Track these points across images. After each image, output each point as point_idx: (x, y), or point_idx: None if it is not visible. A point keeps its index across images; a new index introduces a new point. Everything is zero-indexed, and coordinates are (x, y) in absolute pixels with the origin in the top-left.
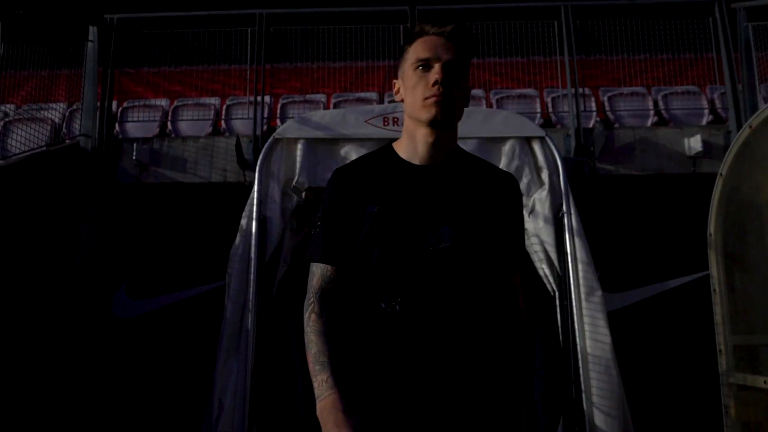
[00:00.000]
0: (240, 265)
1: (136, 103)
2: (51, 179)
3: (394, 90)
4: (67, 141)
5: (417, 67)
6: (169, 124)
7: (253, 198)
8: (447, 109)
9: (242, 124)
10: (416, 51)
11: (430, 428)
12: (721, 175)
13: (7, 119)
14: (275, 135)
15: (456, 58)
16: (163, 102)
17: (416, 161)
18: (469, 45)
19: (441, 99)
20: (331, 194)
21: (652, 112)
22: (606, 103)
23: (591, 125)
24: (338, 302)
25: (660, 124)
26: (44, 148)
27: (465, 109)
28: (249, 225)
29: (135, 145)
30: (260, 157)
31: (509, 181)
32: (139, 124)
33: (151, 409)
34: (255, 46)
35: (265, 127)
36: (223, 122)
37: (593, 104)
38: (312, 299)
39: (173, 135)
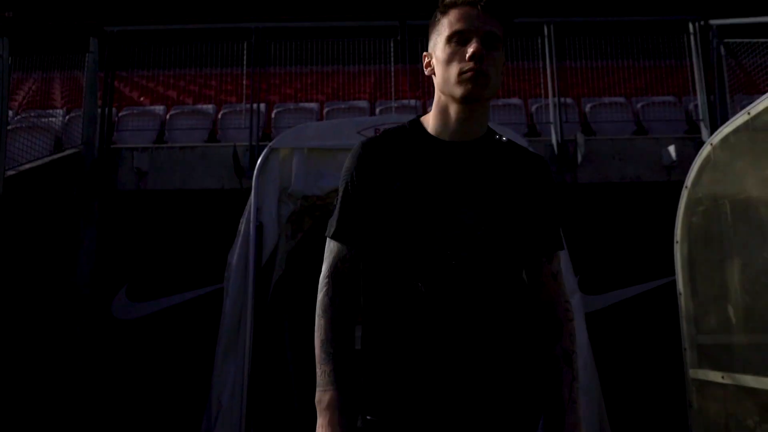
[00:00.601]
0: (238, 270)
1: (134, 111)
2: (55, 187)
3: (424, 63)
4: (67, 150)
5: (451, 40)
6: (165, 132)
7: (250, 205)
8: (483, 86)
9: (237, 130)
10: (451, 22)
11: (453, 414)
12: (686, 187)
13: (9, 127)
14: (271, 145)
15: (494, 32)
16: (159, 109)
17: (446, 138)
18: (506, 17)
19: (477, 75)
20: (354, 168)
21: (632, 122)
22: (588, 113)
23: (574, 135)
24: (354, 282)
25: (639, 132)
26: (49, 157)
27: None
28: (246, 231)
29: (134, 153)
30: (257, 166)
31: (540, 163)
32: (136, 131)
33: (152, 407)
34: (250, 58)
35: (260, 134)
36: (219, 131)
37: (576, 114)
38: (327, 279)
39: (170, 142)
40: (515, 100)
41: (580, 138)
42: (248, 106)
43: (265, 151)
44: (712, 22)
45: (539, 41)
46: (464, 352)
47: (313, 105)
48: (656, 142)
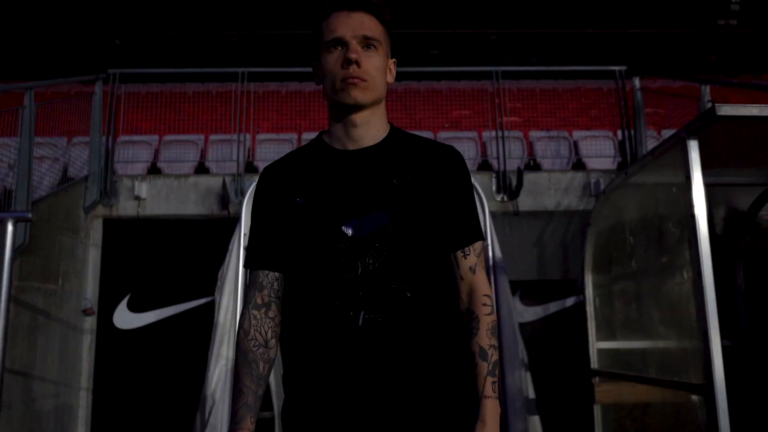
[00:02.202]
0: (228, 285)
1: (130, 139)
2: (67, 211)
3: (314, 74)
4: (76, 180)
5: (329, 47)
6: (159, 158)
7: (239, 230)
8: (363, 89)
9: (223, 158)
10: (326, 30)
11: (370, 419)
12: (589, 224)
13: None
14: (257, 181)
15: (371, 33)
16: (152, 139)
17: (346, 146)
18: (382, 13)
19: (358, 79)
20: (260, 193)
21: (572, 154)
22: (534, 145)
23: (522, 165)
24: (274, 310)
25: (578, 164)
26: (62, 187)
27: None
28: (235, 252)
29: (134, 182)
30: (245, 197)
31: (450, 153)
32: (131, 157)
33: (150, 406)
34: (238, 99)
35: (245, 162)
36: (207, 156)
37: (523, 146)
38: (244, 314)
39: (163, 168)
40: (471, 133)
41: (520, 171)
42: (234, 136)
43: (252, 187)
44: (634, 77)
45: (489, 84)
46: (369, 367)
47: (293, 135)
48: (586, 175)
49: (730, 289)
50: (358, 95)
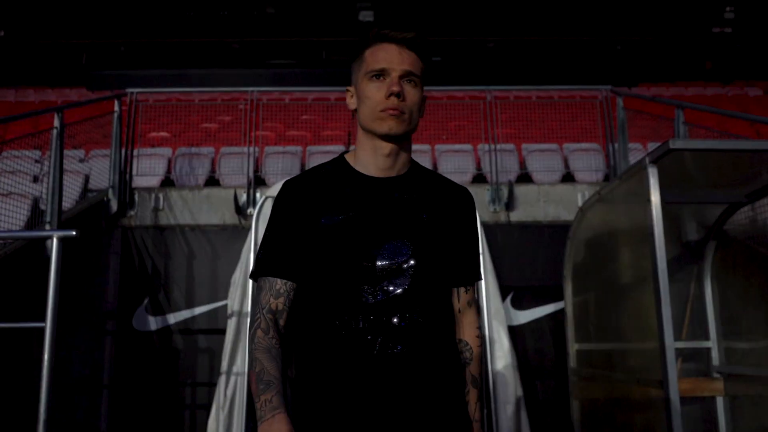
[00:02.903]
0: (240, 291)
1: (145, 152)
2: (89, 222)
3: (347, 97)
4: (97, 191)
5: (371, 77)
6: (173, 170)
7: (250, 240)
8: (402, 122)
9: (233, 170)
10: (372, 59)
11: None
12: (569, 237)
13: (43, 173)
14: (267, 195)
15: (413, 69)
16: (166, 151)
17: (372, 173)
18: (426, 55)
19: (397, 112)
20: (281, 205)
21: (562, 167)
22: (527, 158)
23: (514, 177)
24: (287, 318)
25: (567, 176)
26: (86, 200)
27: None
28: (246, 261)
29: (152, 194)
30: (256, 210)
31: (464, 195)
32: (147, 170)
33: (166, 402)
34: (247, 116)
35: (254, 175)
36: (217, 169)
37: (517, 158)
38: (258, 315)
39: (176, 180)
40: (466, 146)
41: (512, 184)
42: (243, 149)
43: (262, 199)
44: (618, 92)
45: (482, 104)
46: (385, 393)
47: (297, 148)
48: (573, 188)
49: (701, 295)
50: (394, 127)
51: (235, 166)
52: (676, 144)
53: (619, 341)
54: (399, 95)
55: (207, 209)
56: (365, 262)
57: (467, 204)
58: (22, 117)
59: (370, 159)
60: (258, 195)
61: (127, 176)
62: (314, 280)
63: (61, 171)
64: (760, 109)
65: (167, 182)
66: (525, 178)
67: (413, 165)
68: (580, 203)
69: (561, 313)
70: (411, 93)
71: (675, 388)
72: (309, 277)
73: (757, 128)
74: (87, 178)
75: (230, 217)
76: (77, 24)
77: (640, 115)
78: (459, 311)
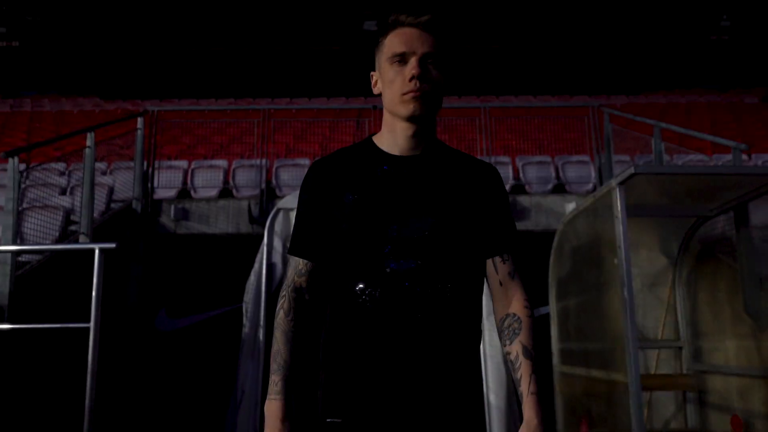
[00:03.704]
0: (254, 295)
1: (164, 165)
2: (114, 230)
3: (372, 83)
4: (122, 203)
5: (393, 62)
6: (189, 182)
7: (263, 249)
8: (425, 104)
9: (246, 181)
10: (391, 44)
11: (406, 420)
12: (553, 248)
13: (73, 185)
14: (278, 206)
15: (433, 51)
16: (182, 163)
17: (396, 152)
18: (445, 35)
19: (419, 94)
20: (309, 184)
21: (553, 177)
22: (520, 169)
23: (509, 188)
24: (312, 297)
25: (558, 186)
26: (113, 207)
27: None
28: (260, 268)
29: (173, 206)
30: (267, 222)
31: (490, 170)
32: (165, 182)
33: (186, 396)
34: (261, 128)
35: (265, 186)
36: (231, 181)
37: (511, 170)
38: (284, 293)
39: (192, 191)
40: None
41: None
42: (256, 161)
43: (273, 211)
44: (604, 109)
45: (478, 119)
46: (411, 359)
47: (305, 160)
48: (562, 199)
49: (673, 299)
50: (417, 109)
51: (247, 177)
52: (638, 169)
53: (593, 341)
54: (420, 78)
55: (223, 219)
56: (386, 236)
57: (493, 178)
58: (60, 139)
59: (395, 139)
60: (270, 203)
61: (149, 188)
62: (339, 254)
63: (93, 186)
64: (754, 117)
65: (184, 193)
66: (519, 188)
67: (438, 143)
68: (567, 213)
69: (548, 315)
70: (432, 74)
71: (637, 383)
72: (334, 253)
73: (752, 134)
74: (111, 190)
75: (244, 227)
76: (89, 34)
77: (631, 126)
78: (501, 284)
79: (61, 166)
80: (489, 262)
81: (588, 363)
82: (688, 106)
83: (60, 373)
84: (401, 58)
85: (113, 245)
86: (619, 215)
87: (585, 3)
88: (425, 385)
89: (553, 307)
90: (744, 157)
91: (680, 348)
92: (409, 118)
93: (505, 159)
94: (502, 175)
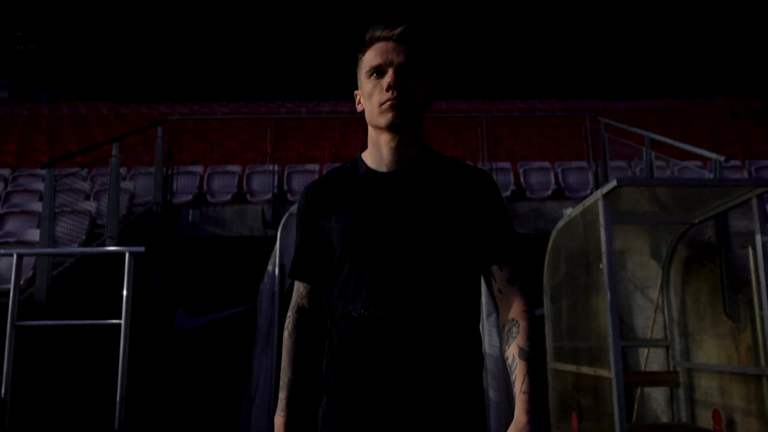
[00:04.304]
0: (267, 295)
1: (181, 170)
2: (136, 233)
3: (356, 101)
4: (143, 207)
5: (371, 75)
6: (205, 186)
7: (275, 251)
8: (403, 112)
9: (259, 186)
10: (368, 59)
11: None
12: (547, 252)
13: (96, 190)
14: (291, 211)
15: (408, 60)
16: (198, 168)
17: (383, 168)
18: (422, 43)
19: (396, 103)
20: (300, 210)
21: (552, 183)
22: (521, 175)
23: (509, 194)
24: (314, 316)
25: (558, 191)
26: (134, 212)
27: None
28: (273, 269)
29: (190, 210)
30: (280, 226)
31: (482, 177)
32: (183, 187)
33: (203, 390)
34: (273, 135)
35: (276, 190)
36: (245, 186)
37: (512, 175)
38: (289, 313)
39: (208, 195)
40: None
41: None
42: (268, 167)
43: (285, 215)
44: (600, 118)
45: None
46: (403, 377)
47: (315, 166)
48: (560, 204)
49: (662, 300)
50: (395, 117)
51: (260, 182)
52: (621, 182)
53: (582, 340)
54: (397, 87)
55: (238, 223)
56: (375, 255)
57: (486, 185)
58: (92, 148)
59: (379, 154)
60: (282, 207)
61: (169, 194)
62: (332, 274)
63: (118, 193)
64: (756, 122)
65: (200, 197)
66: (520, 194)
67: (427, 154)
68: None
69: (543, 316)
70: (411, 84)
71: (620, 377)
72: (327, 274)
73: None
74: (132, 196)
75: (258, 230)
76: (105, 39)
77: (627, 134)
78: (500, 292)
79: (83, 171)
80: (488, 271)
81: (577, 360)
82: (690, 110)
83: (87, 365)
84: (378, 71)
85: (142, 249)
86: (603, 224)
87: (589, 8)
88: (420, 401)
89: (547, 308)
90: (737, 163)
91: (668, 347)
92: (390, 127)
93: (506, 165)
94: (503, 181)
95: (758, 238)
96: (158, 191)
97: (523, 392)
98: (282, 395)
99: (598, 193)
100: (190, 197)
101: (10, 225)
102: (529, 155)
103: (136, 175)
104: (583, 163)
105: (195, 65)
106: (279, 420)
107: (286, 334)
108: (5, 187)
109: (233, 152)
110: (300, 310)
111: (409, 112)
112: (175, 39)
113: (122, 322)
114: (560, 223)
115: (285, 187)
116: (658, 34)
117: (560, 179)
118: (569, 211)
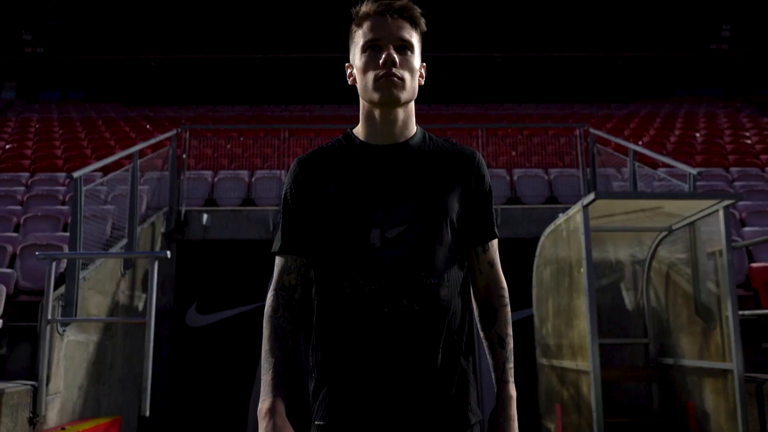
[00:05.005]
0: None
1: (191, 175)
2: (153, 236)
3: (347, 74)
4: (158, 212)
5: (366, 49)
6: (214, 191)
7: None
8: (399, 87)
9: (266, 191)
10: (365, 32)
11: (396, 410)
12: (536, 256)
13: (113, 194)
14: None
15: (406, 38)
16: (208, 174)
17: (375, 142)
18: (417, 21)
19: (392, 78)
20: (290, 183)
21: (546, 190)
22: (516, 181)
23: (504, 200)
24: (300, 293)
25: (551, 197)
26: (152, 217)
27: None
28: None
29: (201, 214)
30: None
31: (472, 157)
32: (193, 191)
33: (213, 382)
34: (281, 143)
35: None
36: (253, 191)
37: (508, 183)
38: (272, 293)
39: (217, 199)
40: None
41: (498, 207)
42: (274, 172)
43: None
44: (591, 130)
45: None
46: (400, 351)
47: None
48: (551, 209)
49: (643, 301)
50: (393, 92)
51: (267, 187)
52: (599, 195)
53: (566, 337)
54: (394, 63)
55: (246, 226)
56: (372, 227)
57: (476, 165)
58: (117, 158)
59: (374, 129)
60: None
61: (180, 199)
62: (325, 248)
63: (136, 200)
64: (752, 125)
65: (211, 202)
66: (515, 200)
67: (419, 131)
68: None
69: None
70: (406, 60)
71: (598, 371)
72: (320, 247)
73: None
74: (146, 200)
75: (265, 233)
76: (112, 42)
77: (614, 143)
78: (480, 272)
79: (97, 175)
80: (471, 251)
81: (562, 356)
82: (687, 114)
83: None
84: (375, 45)
85: (167, 254)
86: (583, 232)
87: (587, 13)
88: (414, 378)
89: (535, 308)
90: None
91: (647, 344)
92: (386, 102)
93: (502, 172)
94: (499, 187)
95: (724, 244)
96: (172, 197)
97: (504, 381)
98: (268, 377)
99: (579, 204)
100: (201, 201)
101: (33, 227)
102: (524, 163)
103: (148, 180)
104: (575, 171)
105: (200, 70)
106: (267, 403)
107: (269, 311)
108: (26, 191)
109: (241, 156)
110: (286, 288)
111: (404, 88)
112: (180, 44)
113: (148, 319)
114: (547, 230)
115: None
116: (654, 40)
117: (553, 186)
118: (562, 216)
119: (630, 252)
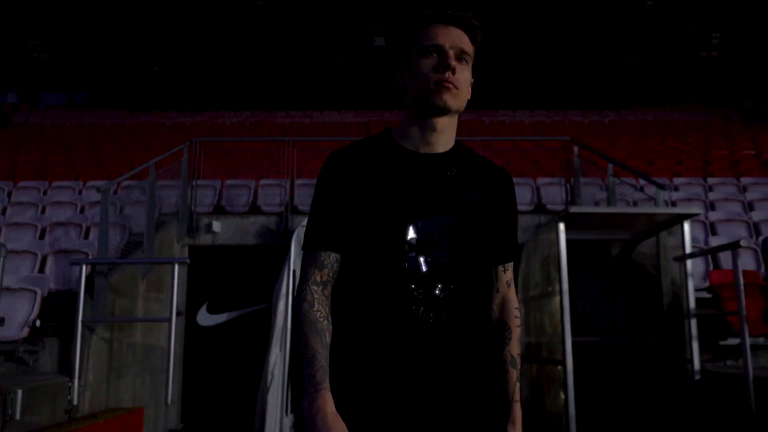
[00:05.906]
0: (281, 295)
1: (201, 183)
2: (167, 242)
3: (398, 77)
4: (164, 215)
5: (429, 53)
6: (222, 199)
7: (289, 259)
8: (453, 95)
9: (271, 199)
10: (426, 36)
11: (425, 416)
12: (519, 261)
13: (134, 201)
14: (302, 224)
15: (467, 51)
16: (216, 182)
17: (418, 149)
18: (477, 35)
19: (449, 85)
20: (327, 178)
21: (534, 198)
22: None
23: None
24: (332, 289)
25: (539, 206)
26: (160, 219)
27: None
28: (287, 273)
29: (213, 221)
30: (294, 236)
31: (506, 177)
32: (203, 199)
33: (223, 378)
34: (287, 155)
35: (288, 202)
36: (259, 198)
37: None
38: (304, 288)
39: (225, 206)
40: None
41: None
42: (279, 181)
43: (298, 228)
44: (575, 144)
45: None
46: (428, 362)
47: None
48: (537, 217)
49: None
50: (449, 99)
51: (273, 195)
52: (572, 209)
53: (543, 335)
54: (453, 70)
55: (253, 232)
56: (409, 234)
57: (508, 185)
58: (138, 171)
59: (418, 135)
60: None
61: (191, 206)
62: (360, 249)
63: (154, 209)
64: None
65: (219, 209)
66: None
67: (458, 144)
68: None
69: None
70: (463, 70)
71: (570, 365)
72: (354, 247)
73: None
74: (160, 208)
75: (271, 239)
76: (117, 49)
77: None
78: (497, 291)
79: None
80: (493, 268)
81: (541, 353)
82: (677, 122)
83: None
84: (435, 51)
85: (187, 260)
86: (561, 242)
87: (577, 21)
88: (441, 387)
89: (520, 309)
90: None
91: (621, 340)
92: (437, 109)
93: None
94: None
95: (686, 253)
96: (184, 204)
97: (515, 400)
98: (310, 371)
99: (556, 218)
100: (210, 208)
101: (53, 234)
102: (512, 170)
103: (161, 187)
104: (560, 180)
105: (202, 76)
106: (319, 398)
107: (305, 306)
108: (42, 199)
109: (247, 165)
110: (319, 283)
111: (459, 100)
112: (184, 51)
113: (171, 318)
114: (530, 237)
115: (296, 200)
116: (649, 46)
117: (541, 194)
118: (545, 223)
119: (607, 256)
